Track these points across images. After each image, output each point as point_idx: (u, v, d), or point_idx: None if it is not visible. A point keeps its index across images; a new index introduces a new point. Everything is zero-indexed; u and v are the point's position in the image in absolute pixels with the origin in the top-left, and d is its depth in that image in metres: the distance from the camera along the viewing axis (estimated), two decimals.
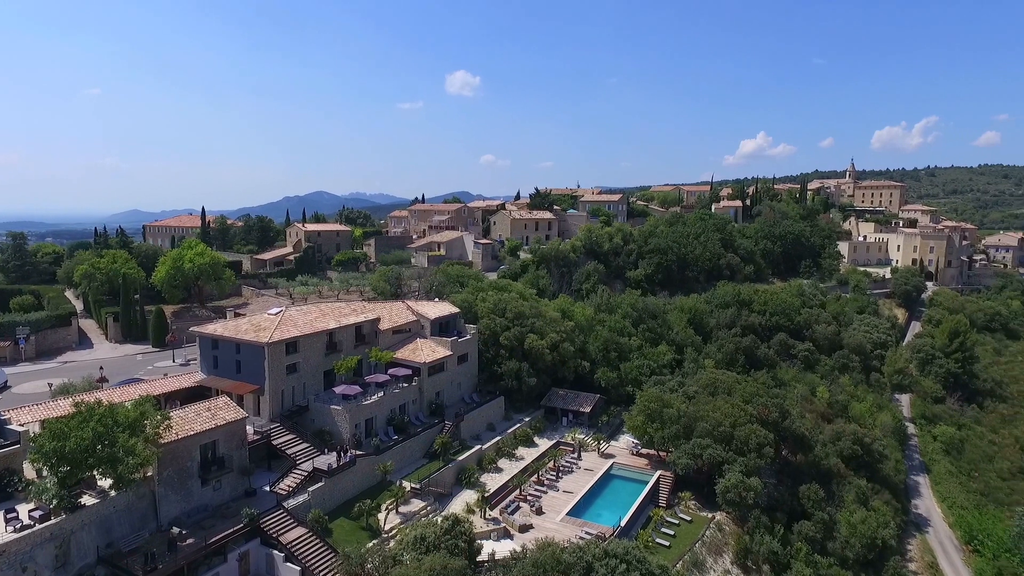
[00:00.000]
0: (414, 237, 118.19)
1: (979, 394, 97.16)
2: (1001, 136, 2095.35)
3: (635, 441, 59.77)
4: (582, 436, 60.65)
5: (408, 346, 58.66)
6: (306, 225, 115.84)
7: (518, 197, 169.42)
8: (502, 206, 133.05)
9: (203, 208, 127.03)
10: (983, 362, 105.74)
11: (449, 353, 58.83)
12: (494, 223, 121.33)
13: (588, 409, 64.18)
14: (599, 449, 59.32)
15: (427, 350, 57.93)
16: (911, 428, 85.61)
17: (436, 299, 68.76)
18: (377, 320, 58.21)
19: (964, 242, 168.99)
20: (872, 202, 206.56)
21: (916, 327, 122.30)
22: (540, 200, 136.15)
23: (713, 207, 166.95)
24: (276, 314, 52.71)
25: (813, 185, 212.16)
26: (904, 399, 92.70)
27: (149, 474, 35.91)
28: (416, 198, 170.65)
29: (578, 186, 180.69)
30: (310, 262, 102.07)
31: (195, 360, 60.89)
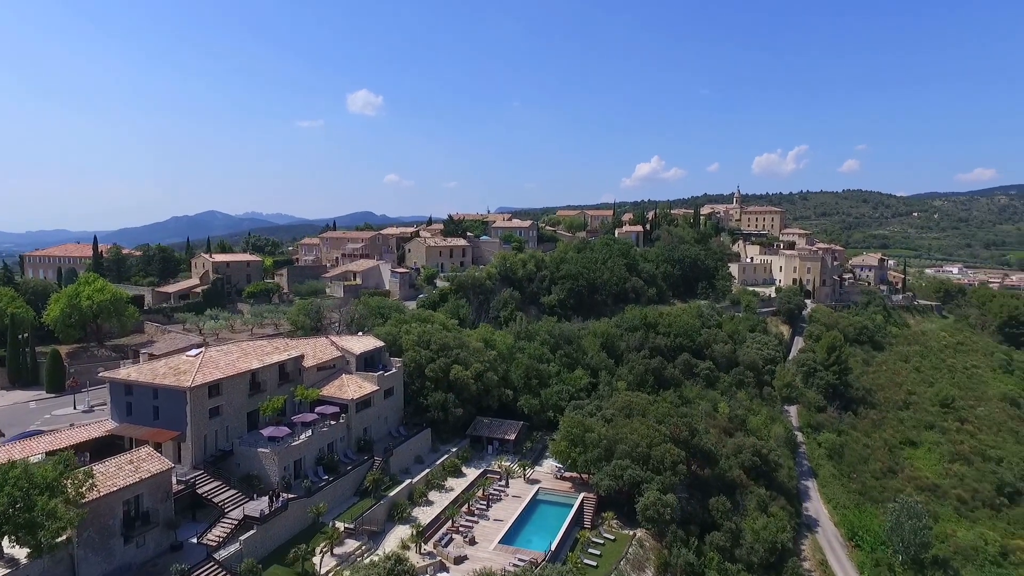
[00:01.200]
0: (327, 266, 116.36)
1: (853, 402, 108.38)
2: (860, 164, 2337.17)
3: (558, 465, 62.40)
4: (508, 463, 62.51)
5: (334, 382, 58.37)
6: (213, 256, 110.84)
7: (430, 222, 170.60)
8: (416, 233, 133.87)
9: (95, 238, 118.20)
10: (855, 372, 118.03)
11: (376, 388, 59.12)
12: (409, 250, 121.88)
13: (513, 436, 66.31)
14: (525, 475, 61.43)
15: (354, 386, 57.93)
16: (799, 436, 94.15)
17: (359, 333, 68.68)
18: (301, 357, 57.58)
19: (835, 262, 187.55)
20: (757, 226, 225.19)
21: (799, 342, 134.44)
22: (453, 227, 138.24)
23: (616, 232, 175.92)
24: (195, 355, 51.04)
25: (705, 210, 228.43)
26: (792, 410, 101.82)
27: (67, 536, 34.05)
28: (327, 224, 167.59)
29: (488, 211, 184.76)
30: (219, 295, 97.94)
31: (101, 406, 57.44)
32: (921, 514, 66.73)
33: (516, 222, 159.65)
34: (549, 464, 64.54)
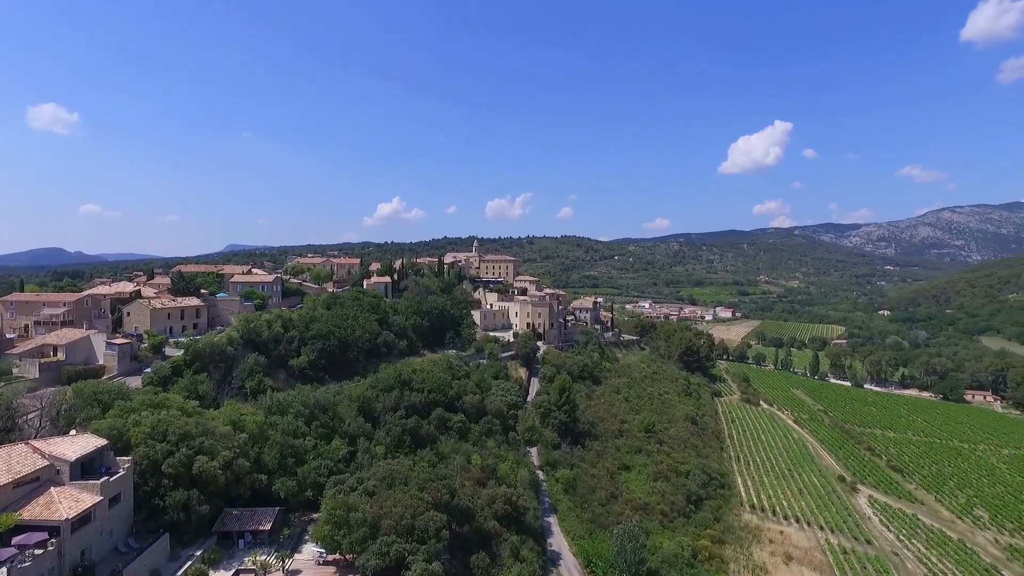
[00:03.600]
0: (14, 338, 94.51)
1: (581, 436, 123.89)
2: (574, 211, 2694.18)
3: (320, 550, 60.21)
4: (264, 557, 58.21)
5: (39, 500, 48.41)
6: None
7: (151, 276, 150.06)
8: (138, 293, 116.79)
9: None
10: (581, 407, 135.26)
11: (98, 499, 50.56)
12: (128, 314, 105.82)
13: (268, 526, 61.96)
14: (284, 567, 57.88)
15: (68, 501, 48.76)
16: (541, 475, 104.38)
17: (72, 431, 57.82)
18: None
19: (560, 307, 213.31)
20: (494, 273, 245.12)
21: (536, 383, 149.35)
22: (184, 284, 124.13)
23: (365, 283, 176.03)
24: None
25: (448, 259, 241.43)
26: (534, 451, 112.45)
27: None
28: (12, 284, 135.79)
29: (224, 251, 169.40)
30: None
31: None
32: (637, 535, 79.45)
33: (259, 275, 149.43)
34: (310, 549, 61.76)
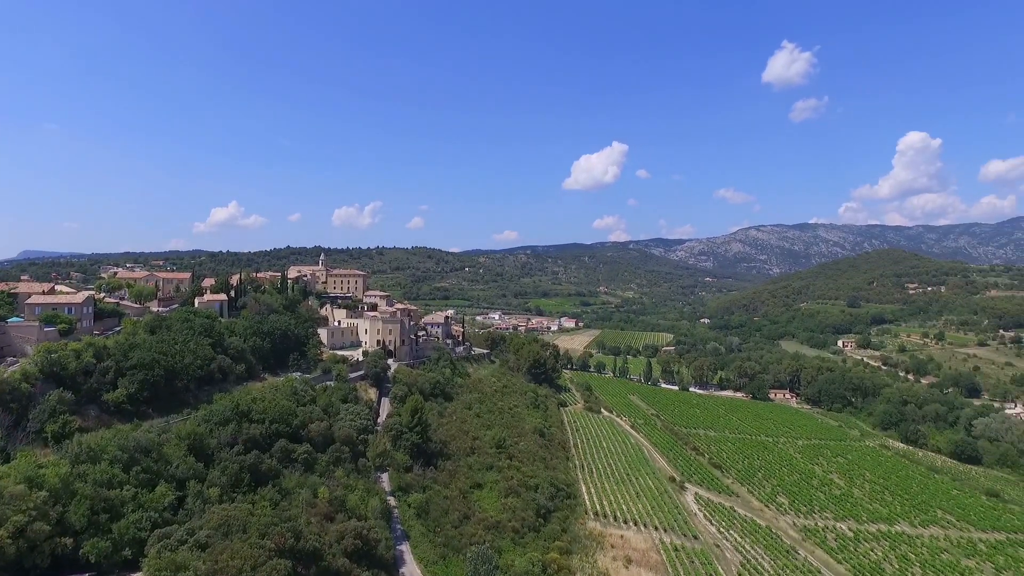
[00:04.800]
0: None
1: (434, 456, 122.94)
2: (425, 221, 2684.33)
3: None
4: None
5: None
6: None
7: None
8: None
9: None
10: (433, 426, 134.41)
11: None
12: None
13: None
14: None
15: None
16: (392, 501, 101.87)
17: None
18: None
19: (411, 322, 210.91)
20: (342, 288, 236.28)
21: (387, 404, 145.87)
22: None
23: (196, 301, 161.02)
24: None
25: (292, 273, 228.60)
26: (385, 476, 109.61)
27: None
28: None
29: (18, 258, 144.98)
30: None
31: None
32: (490, 557, 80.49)
33: (64, 294, 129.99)
34: None
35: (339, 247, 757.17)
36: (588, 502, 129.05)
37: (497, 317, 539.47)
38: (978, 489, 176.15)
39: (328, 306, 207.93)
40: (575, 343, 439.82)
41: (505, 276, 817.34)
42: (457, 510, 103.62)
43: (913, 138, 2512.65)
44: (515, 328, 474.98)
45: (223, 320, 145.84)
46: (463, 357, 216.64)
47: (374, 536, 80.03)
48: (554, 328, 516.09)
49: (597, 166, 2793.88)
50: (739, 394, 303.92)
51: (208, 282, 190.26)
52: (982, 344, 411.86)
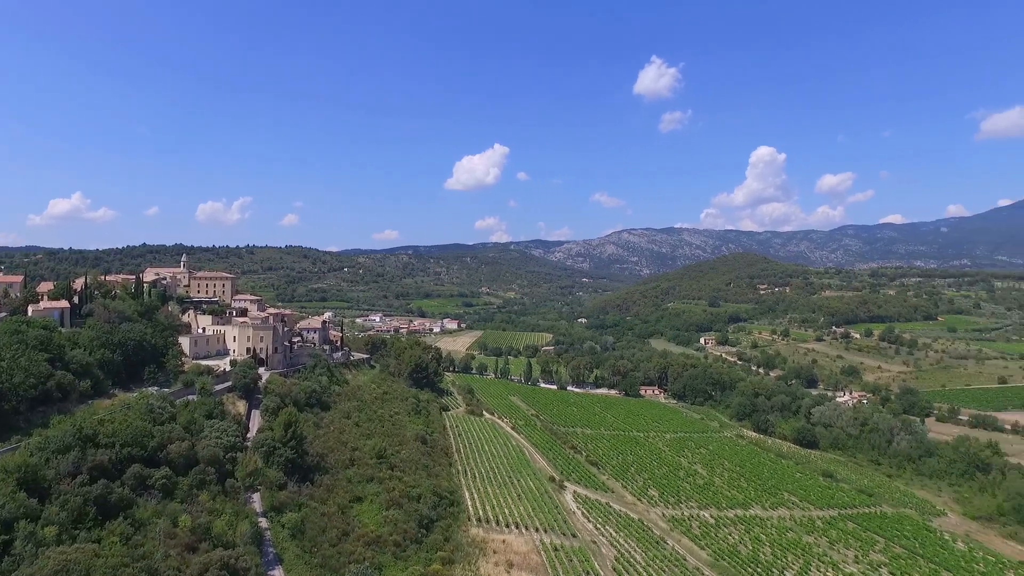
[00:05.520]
0: None
1: (310, 471, 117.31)
2: (299, 219, 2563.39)
3: None
4: None
5: None
6: None
7: None
8: None
9: None
10: (309, 439, 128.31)
11: None
12: None
13: None
14: None
15: None
16: (264, 523, 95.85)
17: None
18: None
19: (285, 328, 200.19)
20: (208, 292, 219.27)
21: (257, 417, 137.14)
22: None
23: (31, 309, 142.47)
24: None
25: (149, 276, 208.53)
26: (256, 496, 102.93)
27: None
28: None
29: None
30: None
31: None
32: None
33: None
34: None
35: (204, 245, 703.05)
36: (471, 508, 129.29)
37: (378, 319, 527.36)
38: (816, 471, 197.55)
39: (191, 312, 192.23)
40: (457, 344, 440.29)
41: (386, 277, 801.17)
42: (335, 527, 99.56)
43: (763, 152, 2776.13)
44: (397, 330, 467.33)
45: (64, 330, 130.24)
46: (341, 363, 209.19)
47: (243, 564, 74.92)
48: (437, 330, 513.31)
49: (479, 167, 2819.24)
50: (613, 391, 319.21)
51: (45, 286, 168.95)
52: (819, 339, 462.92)
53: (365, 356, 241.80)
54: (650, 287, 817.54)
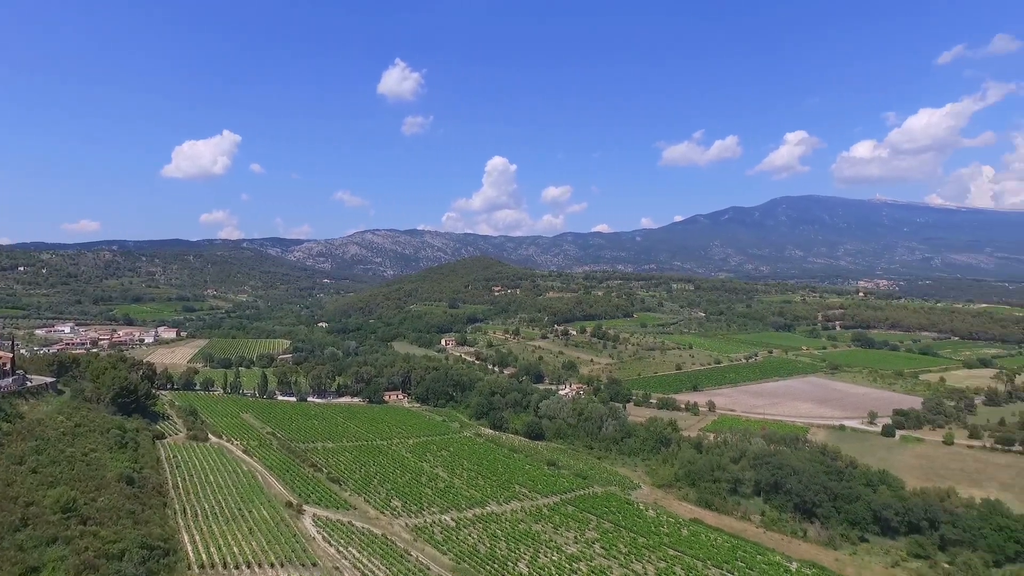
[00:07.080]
0: None
1: None
2: None
3: None
4: None
5: None
6: None
7: None
8: None
9: None
10: None
11: None
12: None
13: None
14: None
15: None
16: None
17: None
18: None
19: None
20: None
21: None
22: None
23: None
24: None
25: None
26: None
27: None
28: None
29: None
30: None
31: None
32: None
33: None
34: None
35: None
36: (192, 554, 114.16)
37: (68, 330, 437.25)
38: (542, 461, 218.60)
39: None
40: (177, 357, 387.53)
41: (81, 278, 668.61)
42: None
43: (497, 161, 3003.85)
44: (95, 343, 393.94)
45: None
46: (13, 392, 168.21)
47: None
48: (149, 340, 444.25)
49: (205, 154, 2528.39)
50: (357, 399, 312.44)
51: None
52: (544, 337, 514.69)
53: (50, 380, 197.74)
54: (393, 289, 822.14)
